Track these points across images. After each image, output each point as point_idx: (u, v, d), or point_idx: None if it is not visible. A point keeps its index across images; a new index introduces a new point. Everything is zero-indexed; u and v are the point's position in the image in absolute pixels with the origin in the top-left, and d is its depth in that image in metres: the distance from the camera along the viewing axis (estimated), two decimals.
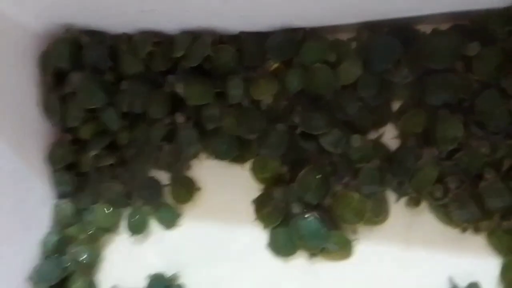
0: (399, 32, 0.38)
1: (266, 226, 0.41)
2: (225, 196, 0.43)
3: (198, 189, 0.44)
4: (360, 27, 0.39)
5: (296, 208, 0.39)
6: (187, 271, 0.43)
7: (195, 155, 0.45)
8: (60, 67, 0.47)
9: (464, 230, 0.35)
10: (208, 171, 0.44)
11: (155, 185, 0.46)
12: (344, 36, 0.40)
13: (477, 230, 0.35)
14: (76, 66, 0.47)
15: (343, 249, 0.38)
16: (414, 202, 0.37)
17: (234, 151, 0.42)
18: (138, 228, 0.45)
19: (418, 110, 0.37)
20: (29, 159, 0.47)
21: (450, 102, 0.36)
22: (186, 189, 0.44)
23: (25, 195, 0.46)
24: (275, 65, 0.41)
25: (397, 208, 0.38)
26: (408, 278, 0.36)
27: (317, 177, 0.39)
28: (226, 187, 0.43)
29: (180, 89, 0.43)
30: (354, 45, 0.40)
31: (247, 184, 0.42)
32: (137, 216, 0.45)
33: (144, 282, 0.43)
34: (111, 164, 0.47)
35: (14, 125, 0.45)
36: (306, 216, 0.39)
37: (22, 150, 0.46)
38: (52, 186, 0.48)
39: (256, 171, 0.42)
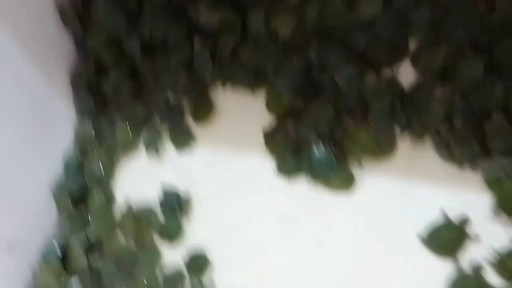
0: None
1: (276, 153, 0.43)
2: (238, 124, 0.45)
3: (214, 109, 0.46)
4: None
5: (307, 139, 0.41)
6: (198, 189, 0.45)
7: (211, 82, 0.46)
8: None
9: (462, 165, 0.36)
10: (223, 98, 0.46)
11: (173, 108, 0.48)
12: None
13: (475, 167, 0.36)
14: None
15: (347, 180, 0.40)
16: (418, 136, 0.38)
17: (250, 80, 0.43)
18: (154, 148, 0.48)
19: (438, 47, 0.37)
20: (54, 79, 0.49)
21: (469, 41, 0.37)
22: (202, 111, 0.46)
23: (49, 112, 0.49)
24: None
25: (403, 144, 0.39)
26: (405, 209, 0.38)
27: (330, 111, 0.40)
28: (240, 115, 0.45)
29: (200, 17, 0.44)
30: None
31: (260, 114, 0.43)
32: (154, 136, 0.48)
33: (157, 197, 0.46)
34: (132, 89, 0.49)
35: (41, 46, 0.47)
36: (316, 144, 0.41)
37: (48, 70, 0.48)
38: (75, 106, 0.51)
39: (271, 103, 0.43)
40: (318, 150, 0.41)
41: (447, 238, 0.36)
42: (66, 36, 0.50)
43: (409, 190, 0.38)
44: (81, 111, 0.51)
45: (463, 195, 0.36)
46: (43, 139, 0.49)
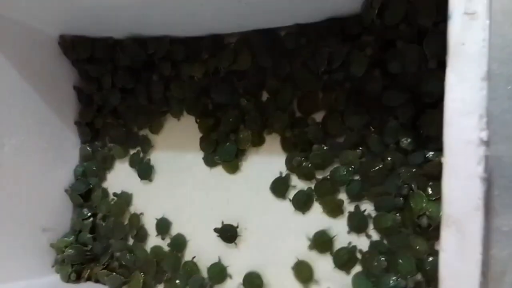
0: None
1: (204, 151, 0.70)
2: (180, 136, 0.73)
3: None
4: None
5: (220, 141, 0.69)
6: (159, 178, 0.74)
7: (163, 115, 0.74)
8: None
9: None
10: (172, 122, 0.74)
11: (138, 137, 0.76)
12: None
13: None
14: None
15: (238, 163, 0.68)
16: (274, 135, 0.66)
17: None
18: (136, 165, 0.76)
19: None
20: (66, 122, 0.77)
21: None
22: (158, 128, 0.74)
23: (62, 141, 0.77)
24: None
25: (268, 140, 0.66)
26: (264, 172, 0.65)
27: (229, 124, 0.67)
28: (181, 131, 0.73)
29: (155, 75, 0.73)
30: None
31: (194, 129, 0.71)
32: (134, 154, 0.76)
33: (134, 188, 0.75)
34: (113, 123, 0.77)
35: (59, 104, 0.75)
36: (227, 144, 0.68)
37: (62, 116, 0.76)
38: (79, 136, 0.79)
39: (200, 123, 0.71)
40: (226, 147, 0.68)
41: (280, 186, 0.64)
42: (74, 97, 0.79)
43: (267, 163, 0.66)
44: (83, 140, 0.79)
45: None
46: (60, 159, 0.76)
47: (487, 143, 0.30)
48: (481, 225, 0.30)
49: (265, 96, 0.67)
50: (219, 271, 0.66)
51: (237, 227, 0.66)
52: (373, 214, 0.58)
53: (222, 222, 0.67)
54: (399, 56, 0.55)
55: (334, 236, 0.59)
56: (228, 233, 0.66)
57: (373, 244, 0.57)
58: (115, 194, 0.76)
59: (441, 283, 0.32)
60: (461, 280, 0.31)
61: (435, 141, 0.52)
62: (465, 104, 0.31)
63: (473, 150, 0.30)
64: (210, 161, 0.70)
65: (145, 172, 0.74)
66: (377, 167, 0.57)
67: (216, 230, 0.66)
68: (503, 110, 0.58)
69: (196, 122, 0.70)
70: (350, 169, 0.59)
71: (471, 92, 0.30)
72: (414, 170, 0.55)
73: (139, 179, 0.74)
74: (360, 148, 0.59)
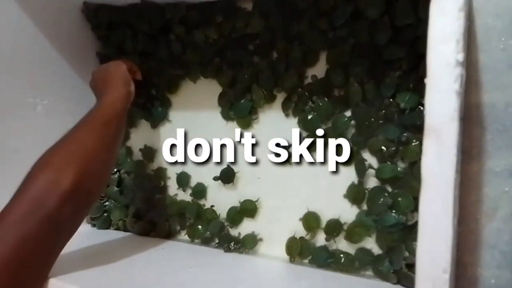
0: None
1: (223, 111, 0.76)
2: (199, 94, 0.78)
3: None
4: None
5: (237, 98, 0.74)
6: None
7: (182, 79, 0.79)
8: None
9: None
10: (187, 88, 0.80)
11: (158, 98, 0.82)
12: None
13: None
14: None
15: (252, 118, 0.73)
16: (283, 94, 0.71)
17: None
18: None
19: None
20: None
21: None
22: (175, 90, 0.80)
23: (88, 105, 0.79)
24: None
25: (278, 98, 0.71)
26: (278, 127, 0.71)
27: (244, 81, 0.73)
28: (199, 92, 0.78)
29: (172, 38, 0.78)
30: None
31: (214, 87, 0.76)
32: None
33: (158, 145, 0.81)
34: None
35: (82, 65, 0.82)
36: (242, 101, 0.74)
37: (86, 80, 0.82)
38: None
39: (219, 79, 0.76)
40: (241, 104, 0.74)
41: None
42: (97, 63, 0.85)
43: (278, 119, 0.71)
44: None
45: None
46: None
47: (462, 64, 0.35)
48: (456, 132, 0.35)
49: (275, 56, 0.71)
50: (235, 215, 0.72)
51: (228, 166, 0.73)
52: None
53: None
54: (401, 10, 0.59)
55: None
56: (227, 175, 0.73)
57: (376, 187, 0.62)
58: (140, 150, 0.82)
59: (423, 183, 0.37)
60: (439, 180, 0.36)
61: None
62: (444, 31, 0.36)
63: (451, 70, 0.35)
64: (226, 116, 0.75)
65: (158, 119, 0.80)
66: (374, 118, 0.63)
67: (215, 178, 0.74)
68: (497, 60, 0.62)
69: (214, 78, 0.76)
70: (349, 118, 0.65)
71: (450, 21, 0.35)
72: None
73: (160, 137, 0.81)
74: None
